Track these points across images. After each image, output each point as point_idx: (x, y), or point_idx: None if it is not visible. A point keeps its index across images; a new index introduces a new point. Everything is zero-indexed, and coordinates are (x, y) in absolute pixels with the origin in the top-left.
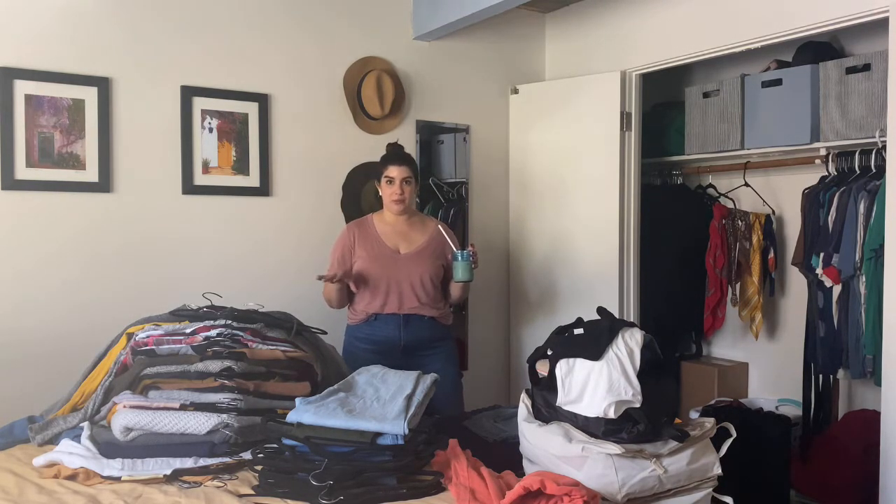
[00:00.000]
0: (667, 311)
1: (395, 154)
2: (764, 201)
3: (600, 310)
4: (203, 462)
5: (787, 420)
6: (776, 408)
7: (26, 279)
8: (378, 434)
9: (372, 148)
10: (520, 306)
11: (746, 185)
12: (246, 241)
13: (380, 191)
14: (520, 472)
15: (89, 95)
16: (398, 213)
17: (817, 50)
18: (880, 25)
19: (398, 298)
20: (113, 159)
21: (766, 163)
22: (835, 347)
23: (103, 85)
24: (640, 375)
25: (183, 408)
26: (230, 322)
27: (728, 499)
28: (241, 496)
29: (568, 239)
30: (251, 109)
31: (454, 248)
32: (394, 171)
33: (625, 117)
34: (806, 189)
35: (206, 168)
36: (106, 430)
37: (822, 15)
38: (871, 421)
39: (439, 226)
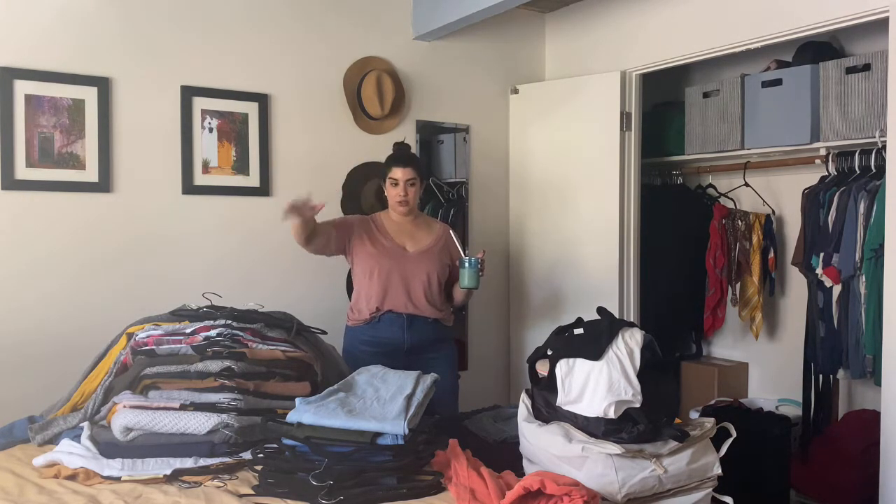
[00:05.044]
0: (667, 311)
1: (399, 155)
2: (764, 201)
3: (600, 310)
4: (203, 462)
5: (787, 420)
6: (776, 408)
7: (26, 279)
8: (378, 434)
9: (372, 148)
10: (520, 306)
11: (746, 185)
12: (245, 241)
13: (385, 191)
14: (520, 472)
15: (89, 95)
16: (403, 214)
17: (817, 50)
18: (880, 25)
19: (405, 294)
20: (113, 159)
21: (766, 163)
22: (835, 347)
23: (103, 85)
24: (640, 375)
25: (183, 408)
26: (230, 322)
27: (728, 499)
28: (241, 496)
29: (568, 239)
30: (251, 109)
31: (462, 254)
32: (398, 173)
33: (625, 117)
34: (806, 189)
35: (206, 168)
36: (106, 430)
37: (822, 15)
38: (871, 421)
39: (450, 232)
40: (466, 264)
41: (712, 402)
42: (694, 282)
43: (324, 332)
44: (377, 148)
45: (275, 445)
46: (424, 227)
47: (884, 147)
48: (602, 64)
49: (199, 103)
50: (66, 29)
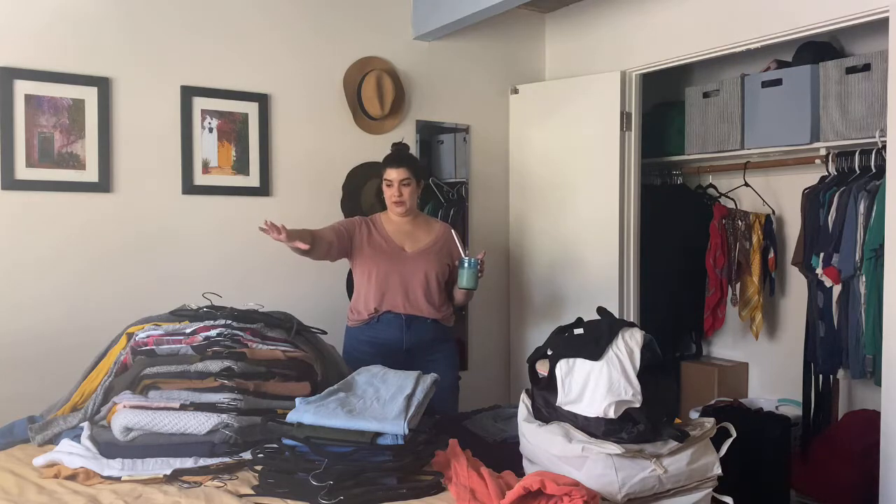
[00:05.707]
0: (667, 311)
1: (394, 156)
2: (764, 201)
3: (600, 310)
4: (203, 462)
5: (787, 420)
6: (776, 408)
7: (26, 279)
8: (378, 434)
9: (372, 148)
10: (520, 306)
11: (746, 185)
12: (245, 241)
13: (383, 192)
14: (520, 472)
15: (89, 95)
16: (399, 214)
17: (817, 50)
18: (880, 25)
19: (403, 294)
20: (113, 159)
21: (766, 163)
22: (835, 347)
23: (103, 85)
24: (640, 375)
25: (183, 408)
26: (230, 322)
27: (728, 499)
28: (241, 496)
29: (568, 239)
30: (251, 109)
31: (462, 254)
32: (392, 174)
33: (625, 117)
34: (806, 189)
35: (206, 168)
36: (106, 430)
37: (822, 15)
38: (871, 421)
39: (451, 232)
40: (466, 265)
41: (712, 402)
42: (694, 282)
43: (324, 332)
44: (377, 148)
45: (275, 445)
46: (424, 227)
47: (884, 147)
48: (602, 64)
49: (199, 103)
50: (66, 29)
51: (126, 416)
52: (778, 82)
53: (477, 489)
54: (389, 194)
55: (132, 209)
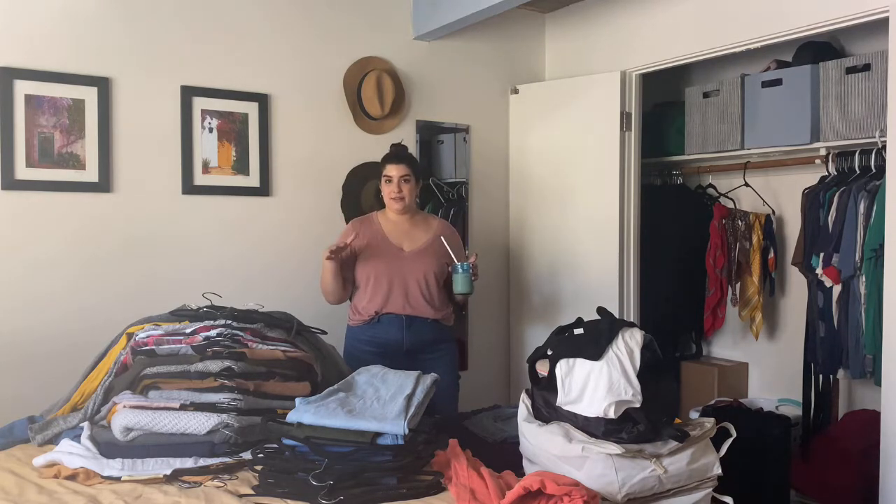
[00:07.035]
0: (667, 311)
1: (394, 153)
2: (764, 201)
3: (600, 310)
4: (203, 462)
5: (787, 420)
6: (776, 408)
7: (26, 279)
8: (378, 434)
9: (372, 148)
10: (520, 306)
11: (746, 185)
12: (246, 242)
13: (382, 190)
14: (520, 472)
15: (89, 95)
16: (398, 211)
17: (817, 50)
18: (880, 25)
19: (403, 296)
20: (113, 159)
21: (766, 163)
22: (835, 347)
23: (103, 85)
24: (640, 375)
25: (183, 408)
26: (230, 322)
27: (728, 499)
28: (241, 496)
29: (568, 239)
30: (251, 109)
31: (454, 260)
32: (392, 170)
33: (625, 117)
34: (806, 189)
35: (206, 168)
36: (106, 430)
37: (822, 15)
38: (871, 421)
39: (442, 239)
40: (460, 269)
41: (712, 402)
42: (694, 282)
43: (324, 332)
44: (377, 148)
45: (275, 445)
46: (422, 225)
47: (884, 147)
48: (602, 64)
49: (199, 103)
50: (66, 29)
51: (126, 416)
52: (778, 82)
53: (477, 489)
54: (388, 191)
55: (132, 209)
